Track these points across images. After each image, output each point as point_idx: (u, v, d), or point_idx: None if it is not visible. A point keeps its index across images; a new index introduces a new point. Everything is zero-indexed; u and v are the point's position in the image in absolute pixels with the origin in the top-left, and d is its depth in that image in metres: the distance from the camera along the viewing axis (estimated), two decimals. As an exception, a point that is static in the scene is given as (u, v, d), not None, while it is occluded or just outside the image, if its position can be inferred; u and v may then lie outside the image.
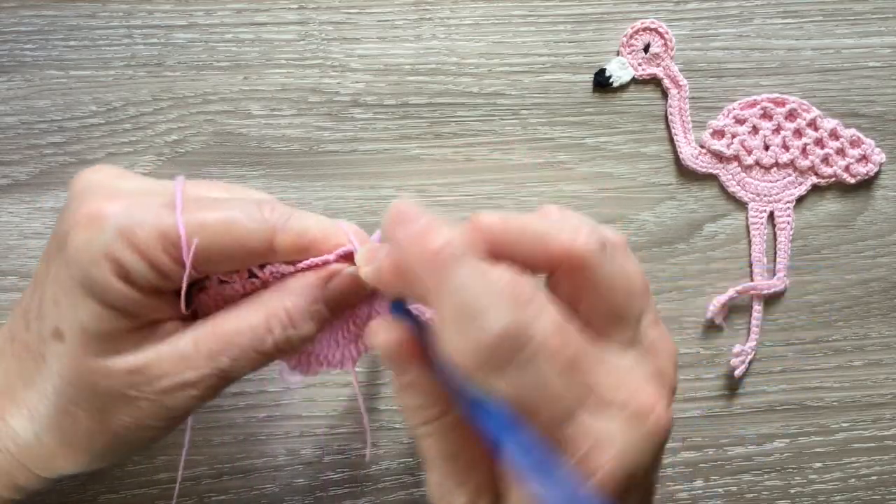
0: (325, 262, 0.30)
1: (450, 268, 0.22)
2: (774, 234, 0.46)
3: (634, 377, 0.25)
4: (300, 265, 0.30)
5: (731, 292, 0.46)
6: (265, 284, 0.30)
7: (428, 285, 0.22)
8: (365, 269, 0.28)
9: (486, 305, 0.22)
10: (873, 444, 0.47)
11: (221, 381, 0.29)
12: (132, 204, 0.28)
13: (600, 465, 0.23)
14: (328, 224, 0.30)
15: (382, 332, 0.27)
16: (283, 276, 0.30)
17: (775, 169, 0.46)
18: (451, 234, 0.23)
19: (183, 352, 0.29)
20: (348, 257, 0.30)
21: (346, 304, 0.31)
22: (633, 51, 0.45)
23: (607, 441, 0.23)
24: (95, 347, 0.28)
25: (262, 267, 0.30)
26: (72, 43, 0.44)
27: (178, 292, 0.29)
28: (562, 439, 0.23)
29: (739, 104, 0.46)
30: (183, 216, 0.28)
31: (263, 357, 0.29)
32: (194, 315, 0.31)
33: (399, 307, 0.29)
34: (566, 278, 0.26)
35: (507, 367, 0.22)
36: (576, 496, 0.21)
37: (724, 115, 0.46)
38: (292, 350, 0.30)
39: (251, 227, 0.28)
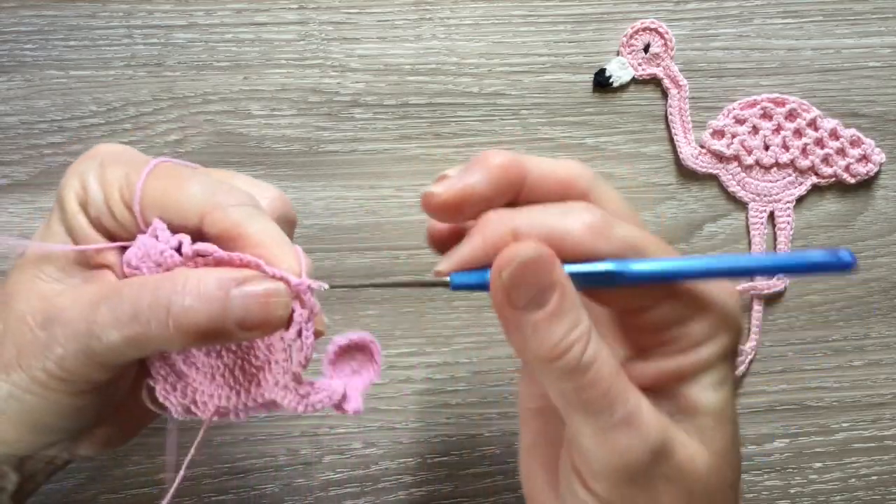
0: (257, 267, 0.27)
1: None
2: (774, 234, 0.46)
3: None
4: (234, 255, 0.27)
5: (731, 292, 0.46)
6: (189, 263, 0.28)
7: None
8: (442, 189, 0.27)
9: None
10: (873, 444, 0.47)
11: (90, 340, 0.26)
12: (123, 152, 0.29)
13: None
14: (278, 237, 0.27)
15: (523, 245, 0.26)
16: (205, 260, 0.27)
17: (775, 169, 0.46)
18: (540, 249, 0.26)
19: (76, 290, 0.27)
20: (279, 278, 0.27)
21: (250, 317, 0.26)
22: (633, 51, 0.45)
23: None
24: (42, 266, 0.28)
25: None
26: (72, 43, 0.44)
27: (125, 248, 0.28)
28: None
29: (739, 104, 0.46)
30: (149, 177, 0.28)
31: (141, 327, 0.26)
32: None
33: (464, 276, 0.27)
34: None
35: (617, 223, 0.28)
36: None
37: (724, 115, 0.46)
38: (174, 333, 0.26)
39: (193, 192, 0.27)
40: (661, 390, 0.28)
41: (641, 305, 0.28)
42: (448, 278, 0.27)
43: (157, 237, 0.27)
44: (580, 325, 0.26)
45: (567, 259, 0.26)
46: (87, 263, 0.28)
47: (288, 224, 0.31)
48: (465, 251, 0.27)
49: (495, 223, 0.27)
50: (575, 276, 0.26)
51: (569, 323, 0.26)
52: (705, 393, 0.28)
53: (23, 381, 0.27)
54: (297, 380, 0.28)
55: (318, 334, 0.28)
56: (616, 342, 0.30)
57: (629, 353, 0.30)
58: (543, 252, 0.26)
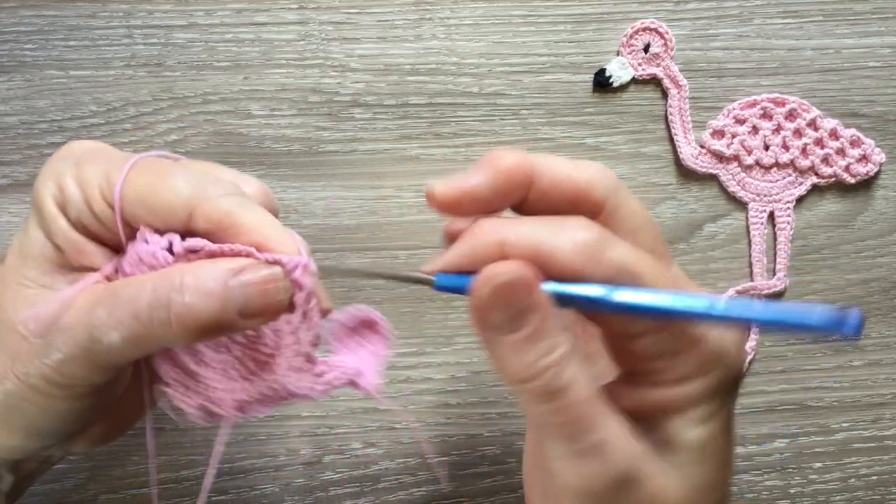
0: (250, 255, 0.26)
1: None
2: (774, 234, 0.46)
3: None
4: (224, 247, 0.26)
5: (731, 292, 0.46)
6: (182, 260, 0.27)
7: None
8: (442, 188, 0.27)
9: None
10: (873, 444, 0.47)
11: (91, 343, 0.26)
12: (98, 150, 0.29)
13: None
14: (273, 226, 0.27)
15: (501, 266, 0.25)
16: (197, 255, 0.27)
17: (775, 169, 0.46)
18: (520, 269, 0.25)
19: (67, 295, 0.27)
20: (276, 262, 0.27)
21: (251, 306, 0.26)
22: (633, 51, 0.45)
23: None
24: (25, 273, 0.27)
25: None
26: (72, 43, 0.44)
27: (111, 248, 0.28)
28: None
29: (739, 104, 0.46)
30: (131, 173, 0.27)
31: (141, 326, 0.26)
32: None
33: (448, 279, 0.27)
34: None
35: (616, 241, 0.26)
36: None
37: (724, 115, 0.46)
38: (177, 331, 0.26)
39: (179, 186, 0.27)
40: (645, 418, 0.28)
41: (630, 332, 0.27)
42: (434, 278, 0.27)
43: (146, 241, 0.27)
44: (556, 351, 0.25)
45: (554, 277, 0.26)
46: (70, 266, 0.28)
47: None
48: (450, 256, 0.27)
49: (485, 233, 0.26)
50: (559, 297, 0.26)
51: (544, 348, 0.25)
52: (686, 429, 0.27)
53: (19, 388, 0.27)
54: (310, 360, 0.28)
55: (325, 312, 0.28)
56: (611, 360, 0.30)
57: (620, 375, 0.29)
58: (522, 275, 0.25)
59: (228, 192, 0.27)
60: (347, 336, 0.31)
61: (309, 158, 0.45)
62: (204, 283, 0.26)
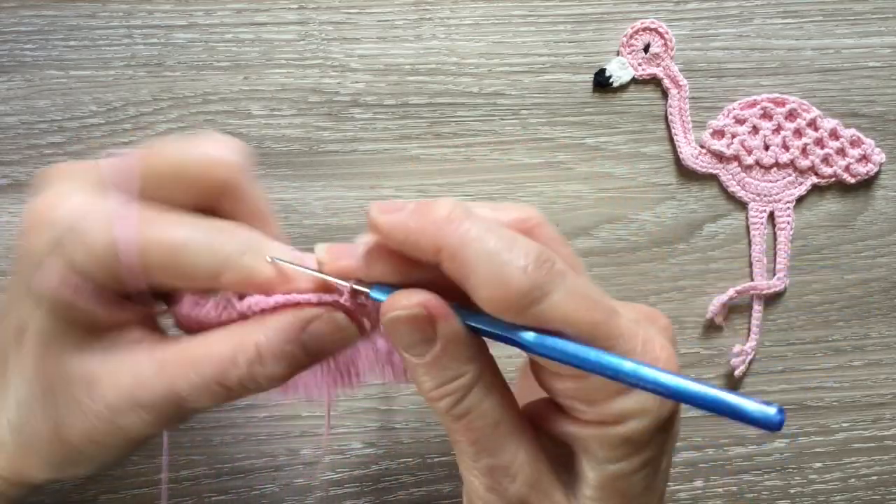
0: (308, 303, 0.28)
1: (465, 223, 0.24)
2: (774, 234, 0.46)
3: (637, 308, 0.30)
4: (279, 300, 0.27)
5: (731, 292, 0.46)
6: (243, 317, 0.28)
7: (446, 245, 0.24)
8: (382, 217, 0.26)
9: (510, 245, 0.24)
10: (873, 444, 0.47)
11: (176, 408, 0.27)
12: (87, 203, 0.27)
13: (658, 355, 0.26)
14: (297, 271, 0.28)
15: (404, 298, 0.25)
16: (263, 311, 0.28)
17: (775, 169, 0.46)
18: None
19: (141, 368, 0.27)
20: (332, 303, 0.28)
21: (325, 352, 0.28)
22: (633, 51, 0.45)
23: (655, 339, 0.26)
24: (54, 348, 0.27)
25: (242, 298, 0.28)
26: (72, 43, 0.44)
27: (138, 299, 0.27)
28: (614, 346, 0.25)
29: (739, 104, 0.46)
30: (130, 230, 0.26)
31: (224, 391, 0.27)
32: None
33: (385, 290, 0.27)
34: None
35: (549, 289, 0.24)
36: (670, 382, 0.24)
37: (724, 115, 0.46)
38: (257, 389, 0.28)
39: (199, 253, 0.26)
40: (561, 443, 0.28)
41: (551, 369, 0.27)
42: (369, 290, 0.27)
43: (197, 303, 0.28)
44: (458, 380, 0.26)
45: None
46: (99, 326, 0.28)
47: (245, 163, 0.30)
48: (388, 225, 0.26)
49: (430, 226, 0.25)
50: (475, 328, 0.26)
51: (445, 376, 0.26)
52: (592, 466, 0.27)
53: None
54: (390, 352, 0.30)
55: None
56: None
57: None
58: (423, 312, 0.25)
59: (246, 249, 0.27)
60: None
61: (309, 158, 0.45)
62: (279, 347, 0.27)
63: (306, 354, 0.28)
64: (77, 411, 0.27)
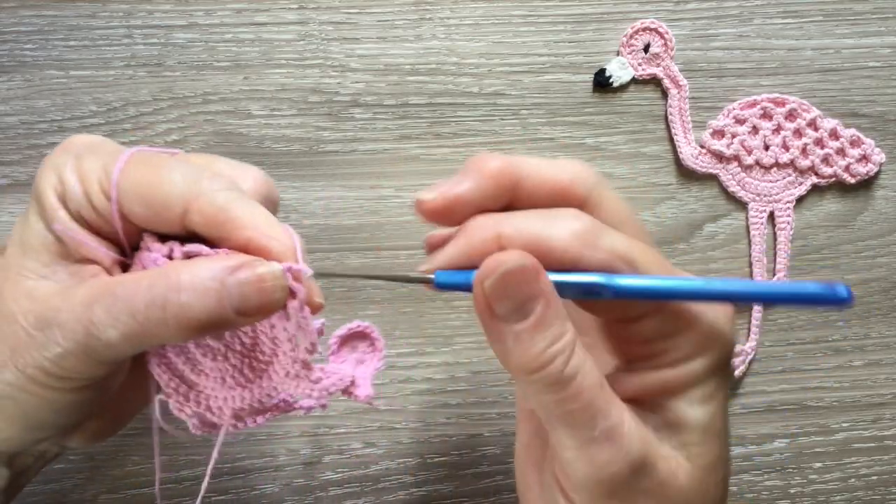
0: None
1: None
2: (774, 234, 0.46)
3: None
4: (216, 251, 0.27)
5: (731, 292, 0.46)
6: None
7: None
8: (430, 196, 0.27)
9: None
10: (873, 444, 0.47)
11: (88, 337, 0.26)
12: (99, 144, 0.29)
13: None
14: (267, 220, 0.27)
15: (506, 255, 0.25)
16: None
17: (775, 169, 0.46)
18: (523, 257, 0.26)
19: (72, 292, 0.27)
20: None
21: (249, 303, 0.26)
22: (633, 51, 0.45)
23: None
24: (25, 264, 0.27)
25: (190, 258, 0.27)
26: (72, 43, 0.44)
27: (111, 240, 0.28)
28: None
29: (739, 104, 0.46)
30: (128, 166, 0.27)
31: (138, 326, 0.26)
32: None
33: (448, 276, 0.27)
34: None
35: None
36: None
37: (724, 115, 0.46)
38: (174, 330, 0.26)
39: (175, 181, 0.27)
40: (647, 403, 0.28)
41: (628, 317, 0.27)
42: (433, 276, 0.27)
43: (149, 249, 0.28)
44: (563, 338, 0.26)
45: (552, 267, 0.26)
46: (71, 257, 0.28)
47: (271, 204, 0.31)
48: (448, 253, 0.27)
49: (480, 227, 0.27)
50: (560, 286, 0.26)
51: (552, 335, 0.26)
52: (691, 408, 0.28)
53: (18, 379, 0.27)
54: (307, 367, 0.28)
55: (316, 308, 0.28)
56: (605, 351, 0.30)
57: (617, 364, 0.29)
58: (527, 262, 0.25)
59: (224, 187, 0.27)
60: (340, 347, 0.32)
61: (309, 158, 0.45)
62: (201, 281, 0.26)
63: (228, 299, 0.26)
64: (26, 338, 0.27)
